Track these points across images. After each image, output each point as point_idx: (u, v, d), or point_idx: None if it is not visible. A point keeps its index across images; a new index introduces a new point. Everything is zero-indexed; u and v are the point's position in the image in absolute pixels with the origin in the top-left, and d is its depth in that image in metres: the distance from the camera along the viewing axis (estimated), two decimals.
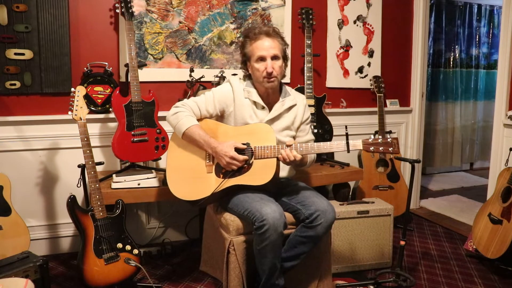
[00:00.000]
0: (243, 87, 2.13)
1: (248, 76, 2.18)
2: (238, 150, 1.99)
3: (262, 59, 2.04)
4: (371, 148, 1.90)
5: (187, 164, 2.09)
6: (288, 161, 1.93)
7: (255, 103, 2.11)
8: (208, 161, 2.07)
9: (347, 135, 1.94)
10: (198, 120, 2.10)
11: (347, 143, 1.90)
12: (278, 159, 1.96)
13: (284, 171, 2.18)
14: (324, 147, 1.95)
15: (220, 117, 2.16)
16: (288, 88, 2.23)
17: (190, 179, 2.07)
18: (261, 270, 1.96)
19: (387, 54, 3.62)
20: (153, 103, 2.56)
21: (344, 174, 2.91)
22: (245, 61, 2.14)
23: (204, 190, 2.03)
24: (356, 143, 1.91)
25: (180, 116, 2.06)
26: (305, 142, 2.07)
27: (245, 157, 1.98)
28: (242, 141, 2.02)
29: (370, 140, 1.91)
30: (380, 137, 1.92)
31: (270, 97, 2.15)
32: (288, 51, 2.18)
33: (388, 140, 1.90)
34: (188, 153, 2.10)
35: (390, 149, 1.90)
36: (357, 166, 3.27)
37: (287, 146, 1.94)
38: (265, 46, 2.03)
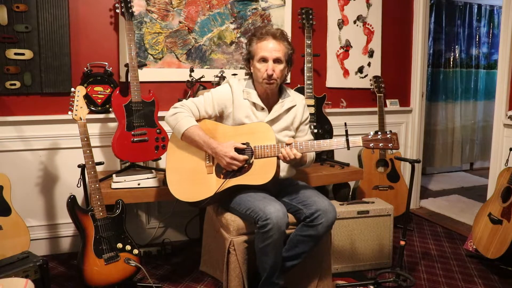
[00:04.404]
0: (243, 88, 2.12)
1: (250, 75, 2.17)
2: (238, 150, 1.99)
3: (264, 60, 2.04)
4: (371, 145, 1.91)
5: (187, 166, 2.09)
6: (289, 160, 1.93)
7: (254, 104, 2.11)
8: (208, 161, 2.07)
9: (346, 132, 1.94)
10: (197, 121, 2.10)
11: (347, 140, 1.91)
12: (278, 158, 1.97)
13: (284, 171, 2.18)
14: (324, 144, 1.95)
15: (219, 117, 2.16)
16: (287, 89, 2.23)
17: (191, 181, 2.07)
18: (262, 268, 1.96)
19: (387, 54, 3.62)
20: (153, 103, 2.56)
21: (344, 174, 2.91)
22: (249, 59, 2.13)
23: (205, 191, 2.03)
24: (356, 140, 1.92)
25: (179, 117, 2.05)
26: None
27: (245, 156, 1.98)
28: (241, 141, 2.02)
29: (369, 136, 1.92)
30: (379, 133, 1.93)
31: (269, 98, 2.15)
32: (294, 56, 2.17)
33: (388, 136, 1.91)
34: (187, 154, 2.10)
35: (389, 144, 1.91)
36: (357, 166, 3.27)
37: (287, 144, 1.95)
38: (269, 47, 2.03)
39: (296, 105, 2.19)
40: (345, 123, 2.00)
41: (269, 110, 2.14)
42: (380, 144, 1.91)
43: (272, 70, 2.02)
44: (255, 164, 1.99)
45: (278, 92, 2.17)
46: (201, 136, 2.02)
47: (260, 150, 1.98)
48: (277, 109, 2.13)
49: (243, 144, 2.01)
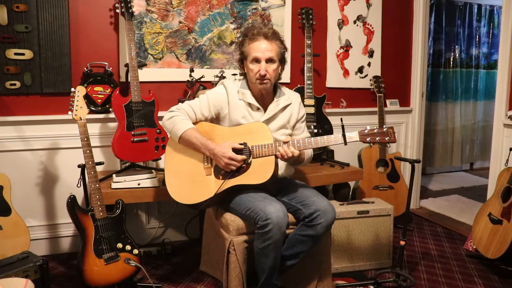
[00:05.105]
0: (237, 88, 2.13)
1: (244, 75, 2.18)
2: (235, 150, 1.99)
3: (257, 60, 2.04)
4: (367, 139, 1.90)
5: (185, 168, 2.09)
6: (286, 158, 1.93)
7: (250, 104, 2.11)
8: (206, 163, 2.07)
9: (343, 127, 1.92)
10: (194, 123, 2.10)
11: (344, 136, 1.90)
12: (276, 157, 1.96)
13: (282, 169, 2.17)
14: (321, 141, 1.94)
15: (216, 119, 2.17)
16: (283, 87, 2.23)
17: (190, 183, 2.07)
18: (261, 269, 1.96)
19: (387, 54, 3.62)
20: (153, 103, 2.56)
21: (344, 174, 2.91)
22: (242, 60, 2.14)
23: (204, 193, 2.03)
24: (353, 135, 1.91)
25: (176, 120, 2.06)
26: None
27: (243, 156, 1.98)
28: (239, 141, 2.02)
29: (366, 131, 1.91)
30: (375, 127, 1.91)
31: (264, 98, 2.15)
32: (288, 53, 2.17)
33: (384, 129, 1.90)
34: (185, 157, 2.10)
35: (386, 138, 1.89)
36: (357, 166, 3.27)
37: (284, 143, 1.95)
38: (261, 48, 2.03)
39: (292, 103, 2.19)
40: (341, 119, 1.97)
41: (265, 110, 2.14)
42: (377, 138, 1.89)
43: (265, 71, 2.02)
44: (254, 163, 1.99)
45: (273, 91, 2.18)
46: (198, 138, 2.02)
47: (257, 150, 1.98)
48: (273, 108, 2.13)
49: (241, 144, 2.01)
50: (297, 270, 2.12)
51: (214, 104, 2.12)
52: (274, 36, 2.07)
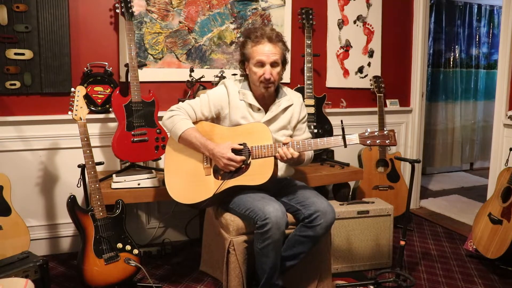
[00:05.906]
0: (238, 89, 2.12)
1: (245, 76, 2.17)
2: (235, 151, 1.99)
3: (261, 64, 2.03)
4: (368, 142, 1.89)
5: (185, 168, 2.09)
6: (286, 159, 1.93)
7: (250, 105, 2.11)
8: (205, 163, 2.07)
9: (343, 129, 1.91)
10: (194, 123, 2.10)
11: (344, 138, 1.89)
12: (275, 158, 1.96)
13: (282, 170, 2.17)
14: (321, 143, 1.94)
15: (216, 119, 2.16)
16: (284, 88, 2.22)
17: (189, 183, 2.07)
18: (261, 270, 1.96)
19: (387, 54, 3.62)
20: (153, 103, 2.56)
21: (344, 174, 2.91)
22: (243, 61, 2.13)
23: (203, 193, 2.03)
24: (353, 138, 1.90)
25: (175, 120, 2.05)
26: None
27: (243, 157, 1.98)
28: (238, 141, 2.02)
29: (366, 133, 1.90)
30: (376, 130, 1.90)
31: (266, 99, 2.14)
32: (288, 53, 2.16)
33: (385, 132, 1.89)
34: (185, 157, 2.10)
35: (387, 141, 1.88)
36: (357, 166, 3.27)
37: (284, 144, 1.94)
38: (265, 51, 2.01)
39: (293, 104, 2.18)
40: (342, 121, 1.96)
41: (266, 110, 2.13)
42: (377, 141, 1.88)
43: (269, 74, 2.01)
44: (253, 164, 1.99)
45: (274, 91, 2.17)
46: (198, 138, 2.02)
47: (257, 151, 1.98)
48: (274, 109, 2.13)
49: (240, 144, 2.01)
50: (297, 270, 2.12)
51: (214, 103, 2.11)
52: (278, 38, 2.05)
